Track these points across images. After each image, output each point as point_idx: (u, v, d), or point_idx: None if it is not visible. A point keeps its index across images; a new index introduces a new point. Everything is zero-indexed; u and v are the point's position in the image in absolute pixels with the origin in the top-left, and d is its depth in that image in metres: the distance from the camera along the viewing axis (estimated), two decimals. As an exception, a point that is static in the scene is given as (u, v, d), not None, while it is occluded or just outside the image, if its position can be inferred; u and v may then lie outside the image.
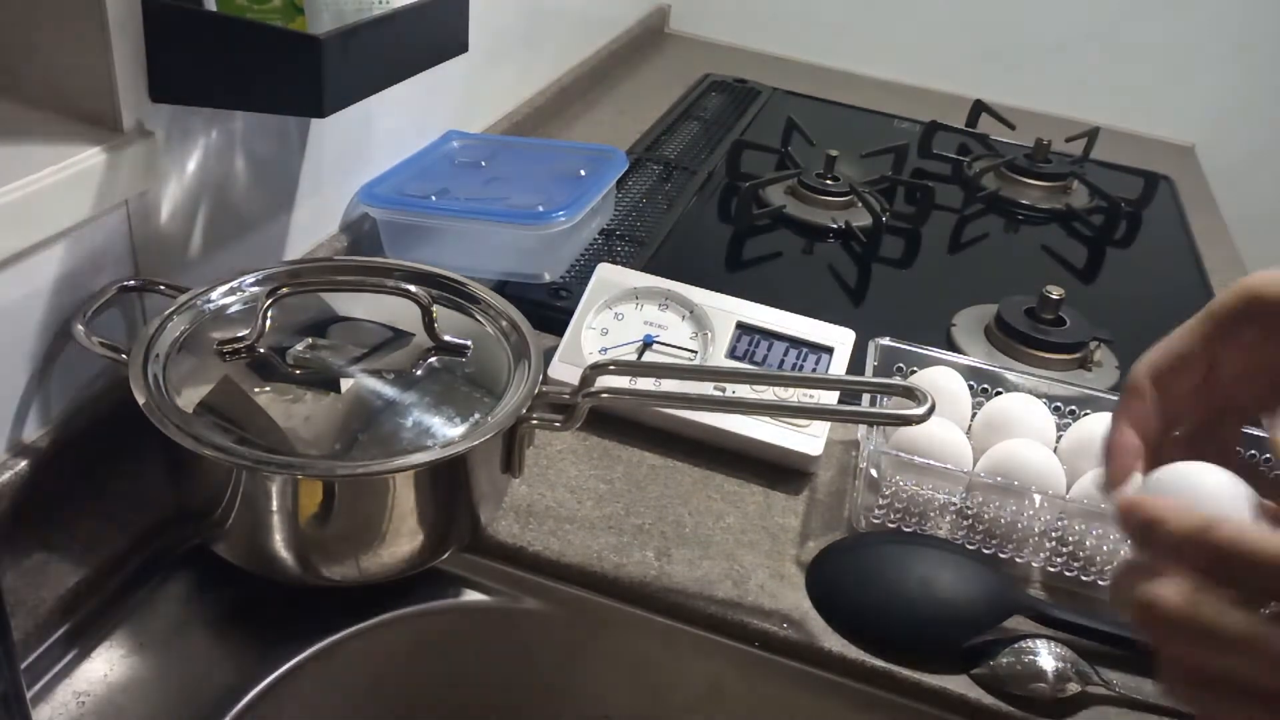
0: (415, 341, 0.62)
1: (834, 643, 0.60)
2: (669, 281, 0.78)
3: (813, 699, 0.60)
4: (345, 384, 0.58)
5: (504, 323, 0.64)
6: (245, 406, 0.56)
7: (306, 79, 0.58)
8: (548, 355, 0.74)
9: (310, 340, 0.61)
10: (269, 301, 0.58)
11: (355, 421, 0.57)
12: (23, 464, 0.58)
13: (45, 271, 0.57)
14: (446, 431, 0.56)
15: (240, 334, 0.58)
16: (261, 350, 0.59)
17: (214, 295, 0.63)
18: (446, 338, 0.61)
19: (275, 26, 0.61)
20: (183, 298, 0.61)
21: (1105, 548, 0.64)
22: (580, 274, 0.89)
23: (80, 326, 0.58)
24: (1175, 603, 0.32)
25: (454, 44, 0.73)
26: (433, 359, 0.61)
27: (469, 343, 0.62)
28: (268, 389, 0.57)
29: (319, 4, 0.62)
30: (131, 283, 0.63)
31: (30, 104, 0.58)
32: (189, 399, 0.55)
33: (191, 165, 0.66)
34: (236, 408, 0.56)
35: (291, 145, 0.77)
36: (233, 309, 0.63)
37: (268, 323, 0.59)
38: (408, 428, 0.56)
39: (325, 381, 0.58)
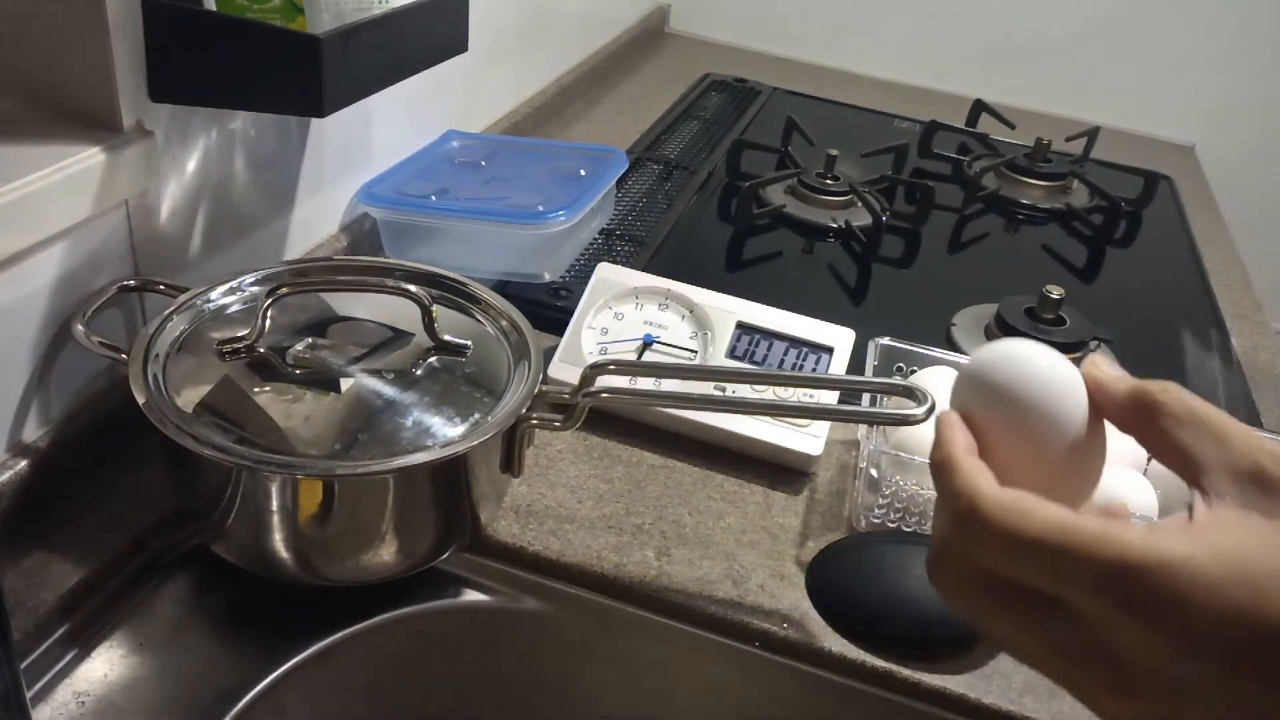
0: (415, 341, 0.62)
1: (834, 643, 0.60)
2: (669, 281, 0.78)
3: (813, 699, 0.60)
4: (345, 384, 0.58)
5: (504, 323, 0.64)
6: (245, 406, 0.56)
7: (306, 79, 0.58)
8: (548, 355, 0.74)
9: (310, 340, 0.61)
10: (269, 301, 0.58)
11: (355, 421, 0.56)
12: (23, 464, 0.58)
13: (45, 271, 0.57)
14: (446, 431, 0.56)
15: (240, 334, 0.58)
16: (261, 350, 0.59)
17: (214, 295, 0.63)
18: (446, 338, 0.61)
19: (275, 26, 0.61)
20: (183, 298, 0.61)
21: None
22: (580, 274, 0.89)
23: (80, 326, 0.58)
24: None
25: (454, 44, 0.73)
26: (433, 359, 0.61)
27: (469, 343, 0.62)
28: (268, 389, 0.57)
29: (319, 4, 0.62)
30: (131, 283, 0.63)
31: (30, 104, 0.58)
32: (189, 399, 0.55)
33: (191, 165, 0.66)
34: (236, 408, 0.56)
35: (291, 145, 0.77)
36: (233, 309, 0.63)
37: (268, 323, 0.59)
38: (408, 428, 0.56)
39: (325, 381, 0.58)
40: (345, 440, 0.55)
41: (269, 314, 0.59)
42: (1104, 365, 0.38)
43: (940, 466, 0.36)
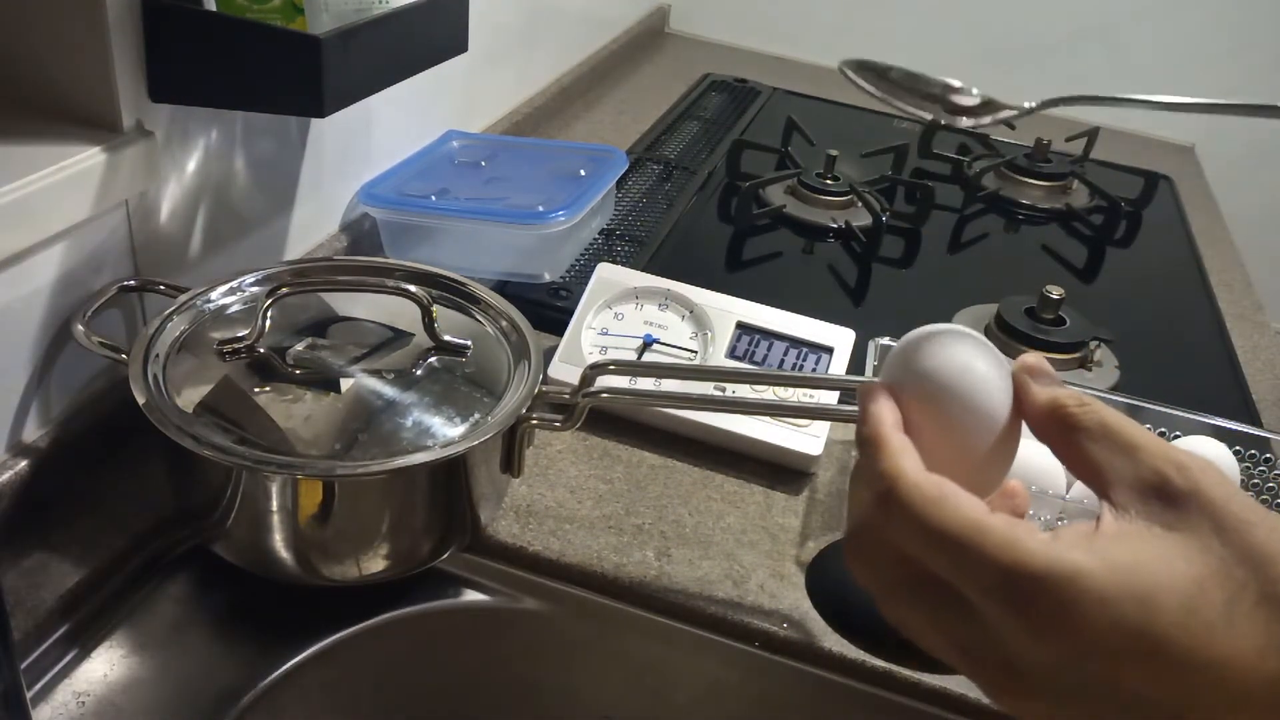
0: (415, 341, 0.62)
1: (834, 643, 0.60)
2: (669, 281, 0.78)
3: (813, 699, 0.60)
4: (345, 384, 0.58)
5: (504, 323, 0.64)
6: (245, 406, 0.56)
7: (306, 79, 0.58)
8: (548, 355, 0.74)
9: (310, 340, 0.61)
10: (269, 301, 0.58)
11: (355, 421, 0.56)
12: (23, 464, 0.58)
13: (45, 271, 0.57)
14: (446, 431, 0.56)
15: (240, 334, 0.58)
16: (261, 350, 0.59)
17: (214, 295, 0.63)
18: (446, 338, 0.61)
19: (275, 26, 0.61)
20: (183, 298, 0.61)
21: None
22: (580, 274, 0.89)
23: (80, 326, 0.58)
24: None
25: (454, 44, 0.73)
26: (433, 359, 0.61)
27: (469, 343, 0.62)
28: (268, 389, 0.57)
29: (319, 4, 0.62)
30: (131, 283, 0.63)
31: (30, 104, 0.58)
32: (189, 399, 0.55)
33: (191, 165, 0.66)
34: (236, 408, 0.56)
35: (291, 145, 0.77)
36: (233, 309, 0.63)
37: (268, 323, 0.59)
38: (408, 428, 0.56)
39: (325, 381, 0.58)
40: (345, 440, 0.55)
41: (269, 314, 0.59)
42: (1034, 367, 0.38)
43: (867, 441, 0.36)
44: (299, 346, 0.60)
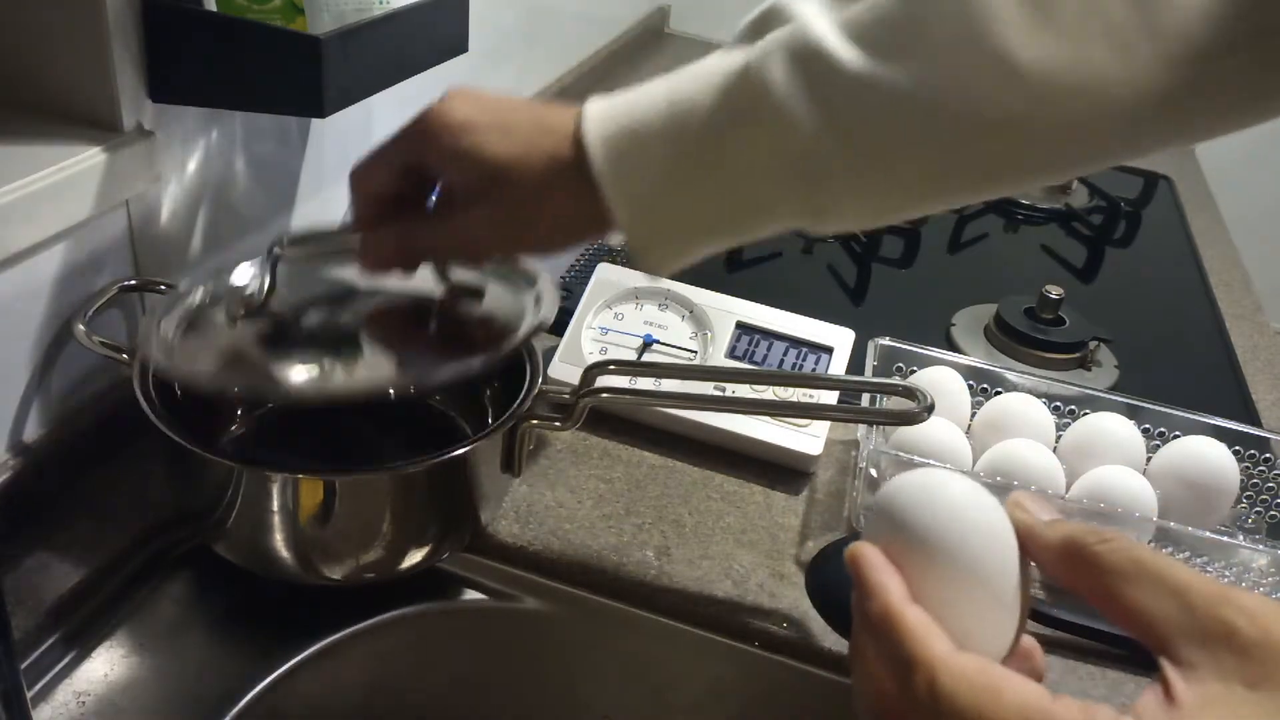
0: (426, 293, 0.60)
1: (834, 643, 0.60)
2: (669, 281, 0.78)
3: (813, 699, 0.60)
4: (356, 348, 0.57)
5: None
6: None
7: (306, 79, 0.58)
8: (548, 355, 0.74)
9: (317, 313, 0.59)
10: (270, 265, 0.56)
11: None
12: (23, 464, 0.58)
13: (45, 271, 0.57)
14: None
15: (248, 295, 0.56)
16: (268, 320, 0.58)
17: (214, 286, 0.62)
18: (459, 278, 0.59)
19: (275, 26, 0.61)
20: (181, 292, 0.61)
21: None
22: (580, 274, 0.89)
23: (81, 326, 0.58)
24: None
25: (454, 44, 0.73)
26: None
27: (482, 286, 0.60)
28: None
29: (319, 4, 0.62)
30: (132, 282, 0.62)
31: (30, 104, 0.58)
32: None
33: (191, 165, 0.66)
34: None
35: (291, 145, 0.77)
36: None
37: (275, 281, 0.56)
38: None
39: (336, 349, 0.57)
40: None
41: (274, 272, 0.56)
42: (1031, 506, 0.35)
43: (879, 621, 0.32)
44: (305, 327, 0.59)
